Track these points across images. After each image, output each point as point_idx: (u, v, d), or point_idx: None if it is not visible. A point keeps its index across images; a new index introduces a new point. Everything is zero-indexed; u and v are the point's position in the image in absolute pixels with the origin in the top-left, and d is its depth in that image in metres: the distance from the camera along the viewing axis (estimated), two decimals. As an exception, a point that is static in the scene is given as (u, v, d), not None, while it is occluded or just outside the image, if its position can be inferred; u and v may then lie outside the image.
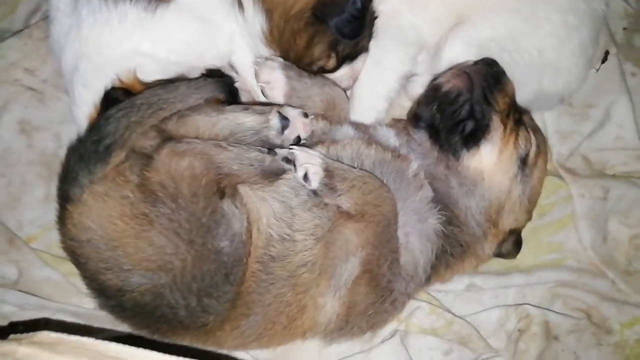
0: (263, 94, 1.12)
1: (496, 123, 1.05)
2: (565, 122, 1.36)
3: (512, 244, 1.18)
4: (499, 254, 1.20)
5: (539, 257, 1.31)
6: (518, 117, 1.11)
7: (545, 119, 1.36)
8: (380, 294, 0.96)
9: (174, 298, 0.92)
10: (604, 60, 1.39)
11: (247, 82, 1.27)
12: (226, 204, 0.93)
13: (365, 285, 0.94)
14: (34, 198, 1.30)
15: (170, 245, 0.89)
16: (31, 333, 0.69)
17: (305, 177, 0.93)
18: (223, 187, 0.94)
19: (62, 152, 1.28)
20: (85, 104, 1.10)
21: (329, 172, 0.93)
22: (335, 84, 1.16)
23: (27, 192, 1.30)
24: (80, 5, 1.09)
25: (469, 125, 1.05)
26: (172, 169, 0.91)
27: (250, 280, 0.94)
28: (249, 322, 0.96)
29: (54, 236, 1.24)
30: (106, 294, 0.97)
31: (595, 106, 1.37)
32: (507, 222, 1.11)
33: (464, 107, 1.05)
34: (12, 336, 0.69)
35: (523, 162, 1.09)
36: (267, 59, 1.11)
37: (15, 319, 1.14)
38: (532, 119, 1.17)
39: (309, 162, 0.93)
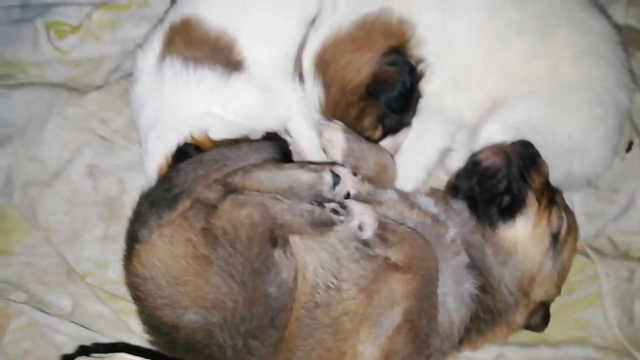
0: (324, 152, 1.22)
1: (531, 199, 1.14)
2: (592, 204, 1.44)
3: (540, 316, 1.23)
4: (528, 326, 1.25)
5: (566, 332, 1.35)
6: (552, 196, 1.19)
7: (573, 200, 1.44)
8: (418, 346, 1.01)
9: (223, 337, 0.98)
10: (628, 149, 1.49)
11: (300, 146, 1.40)
12: (277, 253, 1.01)
13: (405, 335, 0.99)
14: (93, 237, 1.40)
15: (224, 286, 0.97)
16: (110, 354, 0.76)
17: (360, 227, 1.01)
18: (276, 237, 1.03)
19: (124, 196, 1.44)
20: (157, 155, 1.22)
21: (381, 224, 1.02)
22: (387, 151, 1.27)
23: (88, 231, 1.41)
24: (164, 68, 1.24)
25: (506, 200, 1.13)
26: (234, 216, 1.01)
27: (295, 325, 1.00)
28: (291, 366, 1.01)
29: (108, 274, 1.36)
30: (161, 330, 1.04)
31: (620, 191, 1.45)
32: (538, 294, 1.17)
33: (502, 182, 1.14)
34: (94, 355, 0.75)
35: (555, 238, 1.16)
36: (330, 121, 1.22)
37: (67, 350, 1.20)
38: (563, 199, 1.25)
39: (364, 214, 1.01)
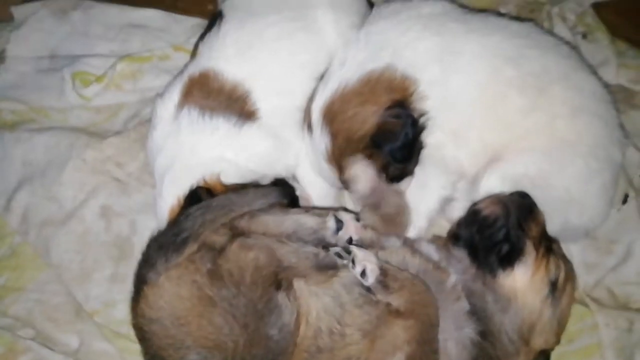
0: (348, 186, 1.30)
1: (529, 248, 1.18)
2: (591, 254, 1.48)
3: (541, 366, 1.25)
4: (528, 376, 1.26)
5: (567, 382, 1.35)
6: (549, 245, 1.23)
7: (571, 250, 1.47)
8: (420, 390, 1.02)
9: None
10: (624, 202, 1.54)
11: (306, 192, 1.46)
12: (280, 296, 1.04)
13: None
14: (102, 276, 1.44)
15: (227, 327, 1.00)
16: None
17: (362, 273, 1.04)
18: (280, 280, 1.06)
19: (134, 238, 1.48)
20: (170, 197, 1.28)
21: (383, 271, 1.05)
22: (404, 197, 1.32)
23: (98, 270, 1.45)
24: (182, 116, 1.32)
25: (505, 248, 1.17)
26: (240, 259, 1.05)
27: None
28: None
29: (115, 313, 1.39)
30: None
31: (618, 242, 1.49)
32: (538, 342, 1.18)
33: (500, 231, 1.18)
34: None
35: (553, 286, 1.19)
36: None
37: (71, 386, 1.21)
38: (560, 248, 1.29)
39: (367, 260, 1.05)
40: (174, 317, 1.03)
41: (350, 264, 1.05)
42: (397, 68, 1.30)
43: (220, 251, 1.06)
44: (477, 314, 1.12)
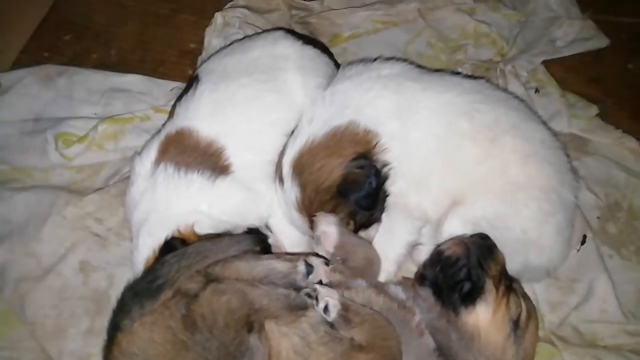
0: (316, 242, 1.33)
1: (489, 286, 1.23)
2: (554, 293, 1.53)
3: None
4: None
5: (541, 423, 1.36)
6: (509, 284, 1.29)
7: (535, 290, 1.53)
8: None
9: None
10: (582, 242, 1.62)
11: (279, 240, 1.52)
12: (252, 338, 1.07)
13: None
14: (78, 330, 1.45)
15: None
16: None
17: (325, 309, 1.09)
18: (252, 322, 1.08)
19: (112, 291, 1.50)
20: (146, 249, 1.33)
21: (345, 306, 1.10)
22: (373, 247, 1.39)
23: (74, 325, 1.46)
24: (158, 172, 1.39)
25: (467, 286, 1.23)
26: (213, 303, 1.08)
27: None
28: None
29: (88, 367, 1.39)
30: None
31: (579, 281, 1.55)
32: None
33: (462, 270, 1.24)
34: None
35: (515, 324, 1.23)
36: (327, 214, 1.34)
37: None
38: (521, 287, 1.34)
39: (329, 296, 1.10)
40: None
41: (314, 301, 1.10)
42: (359, 123, 1.41)
43: (194, 297, 1.10)
44: (442, 351, 1.16)
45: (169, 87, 1.89)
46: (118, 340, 1.09)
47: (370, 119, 1.41)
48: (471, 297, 1.22)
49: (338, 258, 1.31)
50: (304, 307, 1.12)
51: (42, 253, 1.55)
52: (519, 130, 1.45)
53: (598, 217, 1.72)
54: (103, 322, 1.35)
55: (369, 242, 1.45)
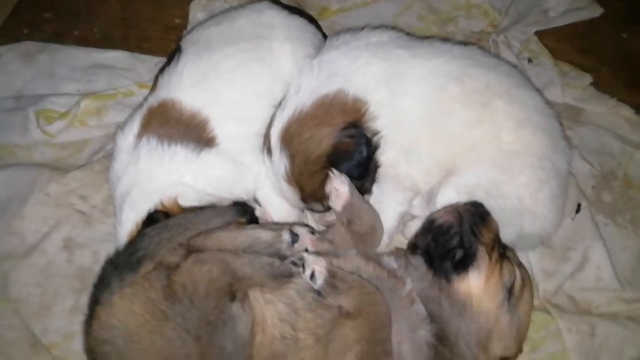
0: (327, 198, 1.30)
1: (482, 253, 1.20)
2: (548, 262, 1.51)
3: (505, 378, 1.24)
4: (492, 388, 1.26)
5: (535, 393, 1.35)
6: (502, 252, 1.26)
7: (530, 259, 1.51)
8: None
9: None
10: (577, 211, 1.60)
11: (267, 214, 1.48)
12: (235, 307, 1.04)
13: None
14: (63, 308, 1.42)
15: (179, 340, 0.99)
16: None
17: (312, 276, 1.06)
18: (234, 291, 1.06)
19: (97, 268, 1.43)
20: (129, 223, 1.29)
21: (331, 273, 1.07)
22: (380, 218, 1.35)
23: (58, 303, 1.43)
24: (140, 145, 1.35)
25: (459, 253, 1.20)
26: (194, 273, 1.05)
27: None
28: None
29: (74, 345, 1.36)
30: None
31: (574, 249, 1.53)
32: (497, 349, 1.18)
33: (454, 237, 1.21)
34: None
35: (509, 292, 1.20)
36: (341, 174, 1.30)
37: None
38: (516, 256, 1.32)
39: (316, 264, 1.07)
40: (126, 334, 1.02)
41: (301, 269, 1.07)
42: (348, 92, 1.37)
43: (175, 267, 1.07)
44: (434, 319, 1.14)
45: (154, 63, 1.84)
46: (97, 314, 1.06)
47: (359, 87, 1.37)
48: (463, 265, 1.19)
49: (343, 219, 1.28)
50: (289, 275, 1.09)
51: (26, 231, 1.51)
52: (512, 95, 1.41)
53: (593, 187, 1.69)
54: (88, 300, 1.34)
55: (376, 211, 1.40)
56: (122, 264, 1.11)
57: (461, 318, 1.16)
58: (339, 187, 1.28)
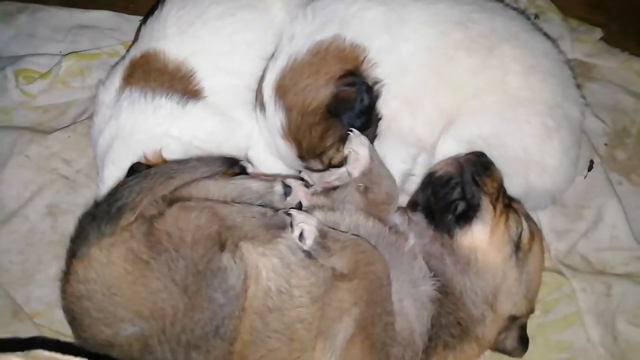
0: (347, 161, 1.18)
1: (486, 203, 1.12)
2: (560, 221, 1.43)
3: (517, 339, 1.16)
4: (504, 349, 1.17)
5: (549, 355, 1.27)
6: (507, 202, 1.17)
7: (540, 219, 1.42)
8: (375, 358, 0.93)
9: (162, 351, 0.91)
10: (590, 168, 1.51)
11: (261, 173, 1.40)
12: (225, 257, 0.96)
13: (360, 345, 0.92)
14: (46, 276, 1.34)
15: (165, 291, 0.92)
16: (26, 351, 0.69)
17: (301, 236, 0.97)
18: (224, 241, 0.98)
19: None
20: (111, 180, 1.21)
21: (322, 233, 0.98)
22: (396, 184, 1.24)
23: (41, 271, 1.36)
24: (122, 98, 1.27)
25: (461, 206, 1.12)
26: (180, 220, 0.97)
27: (247, 334, 0.93)
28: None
29: (58, 313, 1.27)
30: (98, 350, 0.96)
31: (587, 207, 1.44)
32: (506, 307, 1.10)
33: (455, 189, 1.13)
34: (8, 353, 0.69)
35: (516, 245, 1.12)
36: (361, 134, 1.19)
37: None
38: (523, 207, 1.23)
39: (305, 222, 0.98)
40: (105, 287, 0.94)
41: (289, 227, 0.98)
42: (345, 37, 1.27)
43: (158, 216, 0.98)
44: (437, 276, 1.05)
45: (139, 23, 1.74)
46: (74, 268, 0.98)
47: (356, 32, 1.28)
48: (466, 217, 1.11)
49: (360, 185, 1.17)
50: (282, 227, 1.01)
51: (6, 196, 1.44)
52: (519, 40, 1.31)
53: (606, 144, 1.61)
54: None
55: (393, 179, 1.30)
56: (101, 214, 1.03)
57: (466, 275, 1.08)
58: (359, 149, 1.16)
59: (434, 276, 1.06)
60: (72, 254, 1.01)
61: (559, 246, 1.39)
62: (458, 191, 1.13)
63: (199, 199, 1.02)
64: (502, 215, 1.13)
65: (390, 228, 1.11)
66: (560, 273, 1.35)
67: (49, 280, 1.33)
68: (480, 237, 1.09)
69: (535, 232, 1.18)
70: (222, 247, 0.96)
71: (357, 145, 1.17)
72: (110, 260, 0.95)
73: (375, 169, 1.17)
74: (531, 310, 1.17)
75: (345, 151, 1.19)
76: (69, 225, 1.40)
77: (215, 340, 0.91)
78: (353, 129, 1.20)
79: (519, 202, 1.23)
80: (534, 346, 1.19)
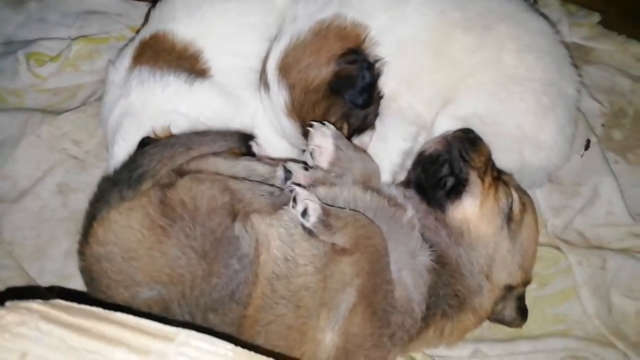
0: (311, 156, 1.21)
1: (474, 177, 1.15)
2: (556, 198, 1.46)
3: (515, 310, 1.20)
4: (502, 320, 1.21)
5: (545, 327, 1.30)
6: (496, 175, 1.21)
7: (537, 196, 1.45)
8: (377, 325, 0.97)
9: (182, 313, 0.95)
10: (586, 147, 1.54)
11: (266, 153, 1.44)
12: (237, 227, 1.01)
13: (362, 314, 0.96)
14: (58, 251, 1.39)
15: (183, 258, 0.96)
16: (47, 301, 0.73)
17: (305, 213, 0.99)
18: (236, 212, 1.02)
19: None
20: (121, 155, 1.25)
21: (325, 211, 1.00)
22: (373, 160, 1.28)
23: (54, 246, 1.40)
24: (132, 77, 1.31)
25: (450, 181, 1.15)
26: (193, 189, 1.01)
27: (259, 299, 0.98)
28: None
29: (70, 286, 1.32)
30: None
31: (584, 184, 1.48)
32: (501, 277, 1.14)
33: (444, 165, 1.17)
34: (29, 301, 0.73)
35: (508, 217, 1.15)
36: (322, 124, 1.22)
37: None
38: (514, 180, 1.26)
39: (309, 199, 1.00)
40: (124, 250, 0.98)
41: (292, 203, 1.01)
42: (346, 16, 1.31)
43: (169, 186, 1.02)
44: (433, 248, 1.09)
45: (147, 8, 1.78)
46: (94, 230, 1.02)
47: (357, 11, 1.31)
48: (456, 192, 1.15)
49: (333, 174, 1.20)
50: (287, 204, 1.04)
51: (18, 175, 1.48)
52: (515, 19, 1.35)
53: (602, 125, 1.64)
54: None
55: (365, 151, 1.35)
56: (122, 180, 1.06)
57: (460, 246, 1.12)
58: (322, 141, 1.19)
59: (431, 247, 1.10)
60: (92, 217, 1.04)
61: (555, 222, 1.43)
62: (447, 167, 1.17)
63: (209, 172, 1.06)
64: (491, 187, 1.16)
65: (389, 200, 1.15)
66: (557, 248, 1.38)
67: (60, 256, 1.38)
68: (471, 210, 1.13)
69: (526, 203, 1.21)
70: (234, 217, 1.00)
71: (318, 139, 1.20)
72: (129, 224, 0.99)
73: (344, 155, 1.20)
74: (527, 281, 1.20)
75: (309, 148, 1.22)
76: (79, 203, 1.46)
77: (231, 304, 0.96)
78: (313, 123, 1.23)
79: (509, 174, 1.26)
80: (531, 318, 1.22)
